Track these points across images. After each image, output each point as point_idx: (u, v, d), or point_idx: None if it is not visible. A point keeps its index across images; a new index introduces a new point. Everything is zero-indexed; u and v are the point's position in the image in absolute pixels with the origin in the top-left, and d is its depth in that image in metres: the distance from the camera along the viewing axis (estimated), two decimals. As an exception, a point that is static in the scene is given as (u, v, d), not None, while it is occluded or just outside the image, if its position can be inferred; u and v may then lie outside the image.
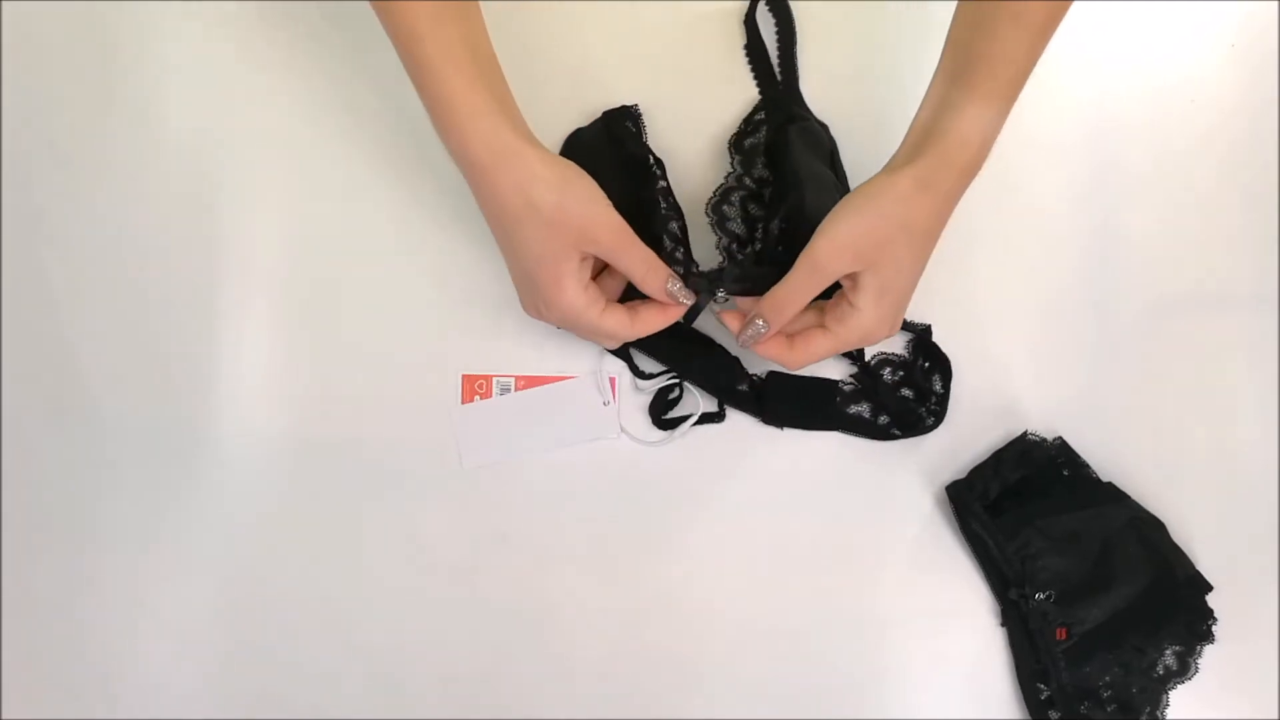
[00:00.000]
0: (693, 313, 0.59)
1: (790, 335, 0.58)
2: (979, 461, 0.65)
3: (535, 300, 0.57)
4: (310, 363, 0.66)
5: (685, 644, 0.64)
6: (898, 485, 0.65)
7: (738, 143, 0.67)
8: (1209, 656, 0.63)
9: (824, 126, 0.67)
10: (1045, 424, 0.66)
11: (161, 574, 0.65)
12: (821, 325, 0.57)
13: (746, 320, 0.57)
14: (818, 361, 0.58)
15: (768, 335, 0.57)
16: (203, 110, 0.68)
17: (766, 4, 0.69)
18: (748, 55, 0.68)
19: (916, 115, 0.56)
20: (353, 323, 0.66)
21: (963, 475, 0.64)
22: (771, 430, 0.65)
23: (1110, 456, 0.65)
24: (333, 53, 0.69)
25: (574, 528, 0.65)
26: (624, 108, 0.66)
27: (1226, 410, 0.67)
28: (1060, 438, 0.65)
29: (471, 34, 0.53)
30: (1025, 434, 0.65)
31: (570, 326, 0.58)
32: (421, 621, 0.64)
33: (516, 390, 0.66)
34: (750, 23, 0.68)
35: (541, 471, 0.66)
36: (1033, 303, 0.67)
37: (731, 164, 0.66)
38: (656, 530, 0.65)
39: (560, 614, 0.64)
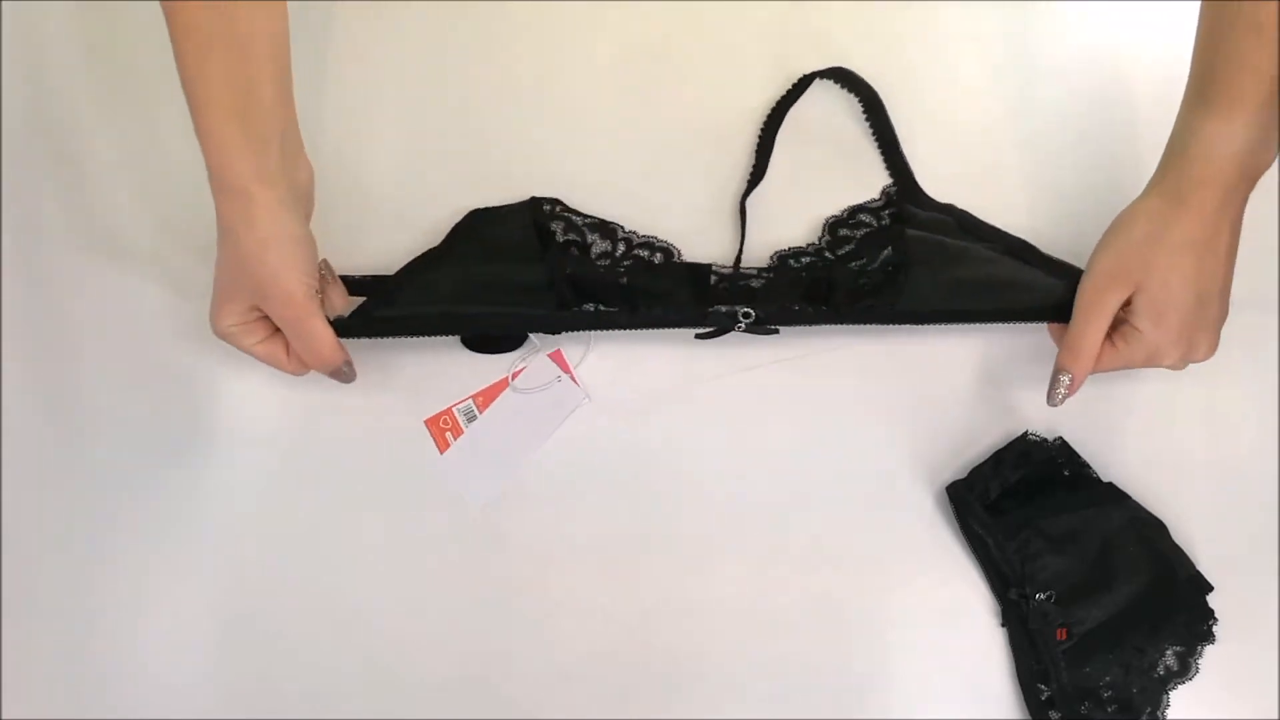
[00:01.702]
0: (718, 332, 0.62)
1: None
2: (979, 461, 0.65)
3: (212, 303, 0.58)
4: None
5: (685, 643, 0.64)
6: (898, 485, 0.65)
7: (834, 228, 0.68)
8: (1209, 657, 0.63)
9: (947, 210, 0.67)
10: (1046, 424, 0.65)
11: (161, 574, 0.64)
12: (1108, 339, 0.59)
13: (1052, 381, 0.60)
14: (1105, 372, 0.60)
15: (1076, 386, 0.59)
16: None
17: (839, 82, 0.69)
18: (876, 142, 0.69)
19: (1169, 139, 0.57)
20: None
21: (963, 475, 0.64)
22: (772, 430, 0.65)
23: (1111, 456, 0.65)
24: (333, 53, 0.69)
25: (573, 528, 0.65)
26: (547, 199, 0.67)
27: (1227, 410, 0.67)
28: (1060, 438, 0.65)
29: (241, 66, 0.53)
30: (1026, 434, 0.65)
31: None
32: (421, 621, 0.64)
33: (480, 410, 0.65)
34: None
35: (541, 471, 0.66)
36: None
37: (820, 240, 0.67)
38: (656, 530, 0.65)
39: (560, 614, 0.64)
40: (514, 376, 0.65)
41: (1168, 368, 0.60)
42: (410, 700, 0.63)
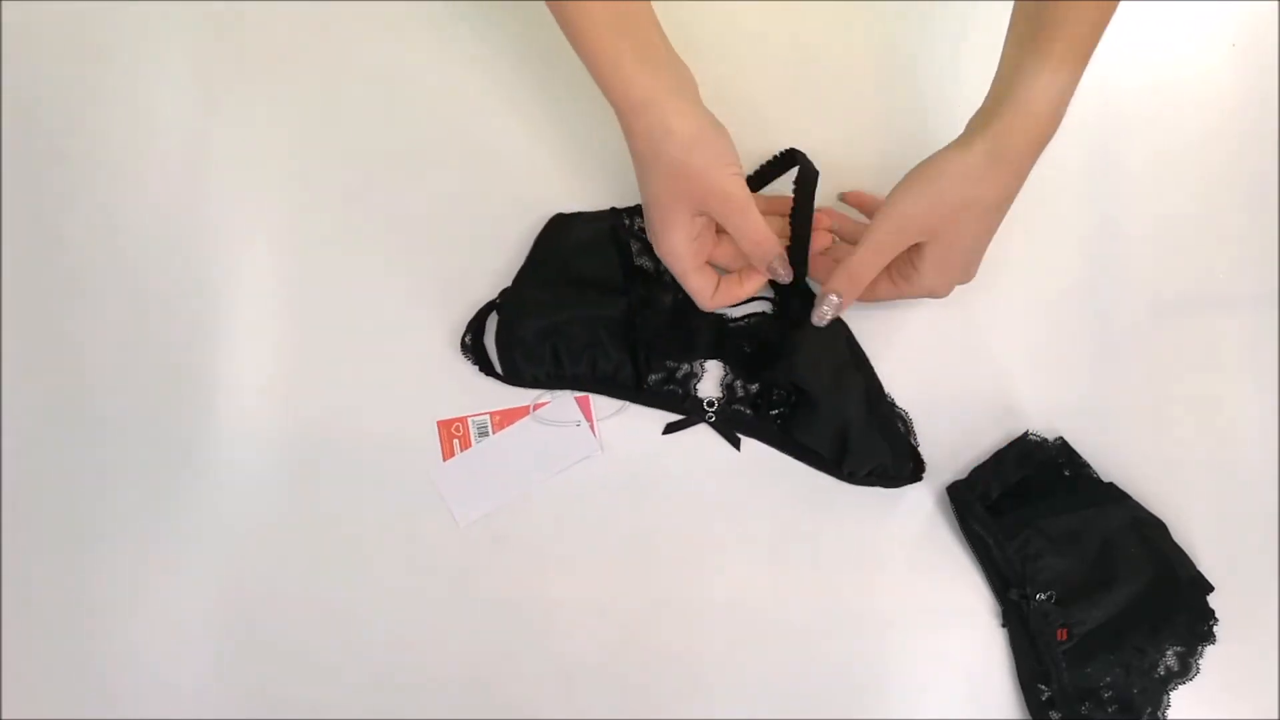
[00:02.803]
0: (681, 425, 0.65)
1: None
2: (980, 461, 0.65)
3: (651, 230, 0.59)
4: (310, 361, 0.66)
5: (685, 644, 0.64)
6: (898, 485, 0.65)
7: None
8: (1210, 657, 0.63)
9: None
10: (1046, 424, 0.65)
11: (161, 574, 0.64)
12: (885, 273, 0.60)
13: (819, 299, 0.59)
14: (876, 300, 0.62)
15: (843, 308, 0.60)
16: (202, 111, 0.68)
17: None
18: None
19: (992, 83, 0.56)
20: (352, 320, 0.67)
21: (963, 475, 0.64)
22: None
23: (1111, 457, 0.65)
24: (334, 53, 0.69)
25: (573, 528, 0.65)
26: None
27: (1227, 410, 0.67)
28: (1061, 438, 0.65)
29: None
30: (1026, 434, 0.65)
31: (668, 266, 0.60)
32: (421, 622, 0.64)
33: (494, 429, 0.65)
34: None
35: (542, 471, 0.66)
36: (1033, 303, 0.67)
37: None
38: (655, 530, 0.65)
39: (559, 614, 0.64)
40: (536, 408, 0.65)
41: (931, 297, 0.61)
42: (410, 700, 0.63)
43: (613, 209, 0.67)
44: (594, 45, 0.54)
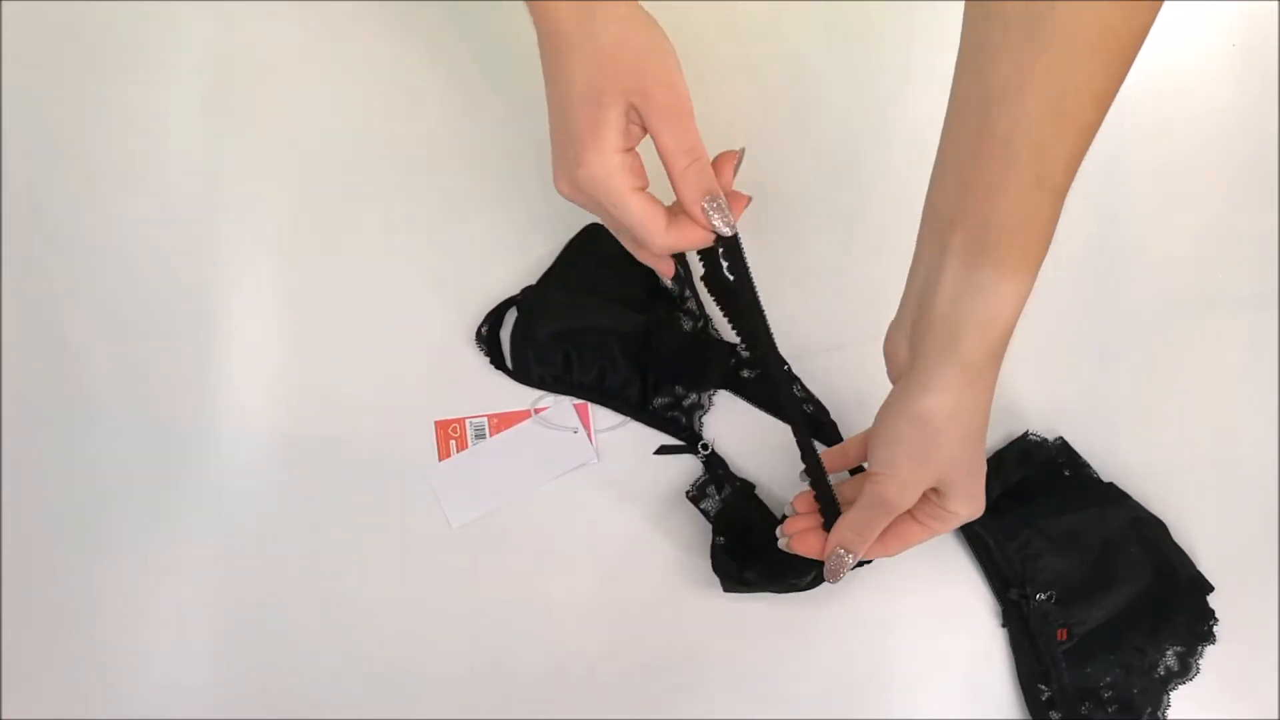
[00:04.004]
0: (673, 450, 0.64)
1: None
2: (980, 462, 0.65)
3: (567, 156, 0.48)
4: (310, 360, 0.66)
5: (684, 644, 0.64)
6: (898, 485, 0.65)
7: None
8: (1210, 657, 0.63)
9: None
10: (1046, 424, 0.65)
11: (161, 574, 0.64)
12: (913, 518, 0.53)
13: (828, 553, 0.54)
14: (910, 546, 0.54)
15: (853, 562, 0.54)
16: (202, 111, 0.68)
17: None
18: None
19: (914, 293, 0.48)
20: (353, 320, 0.67)
21: (963, 475, 0.64)
22: (772, 430, 0.65)
23: (1111, 457, 0.65)
24: (335, 53, 0.69)
25: (572, 527, 0.65)
26: None
27: (1227, 410, 0.67)
28: (1061, 438, 0.65)
29: None
30: (1026, 434, 0.65)
31: (595, 202, 0.49)
32: (421, 621, 0.64)
33: (491, 432, 0.65)
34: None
35: (542, 471, 0.66)
36: (1033, 302, 0.66)
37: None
38: (655, 529, 0.65)
39: (559, 613, 0.64)
40: (536, 411, 0.65)
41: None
42: (410, 700, 0.63)
43: None
44: None
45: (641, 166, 0.49)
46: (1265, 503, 0.66)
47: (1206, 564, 0.64)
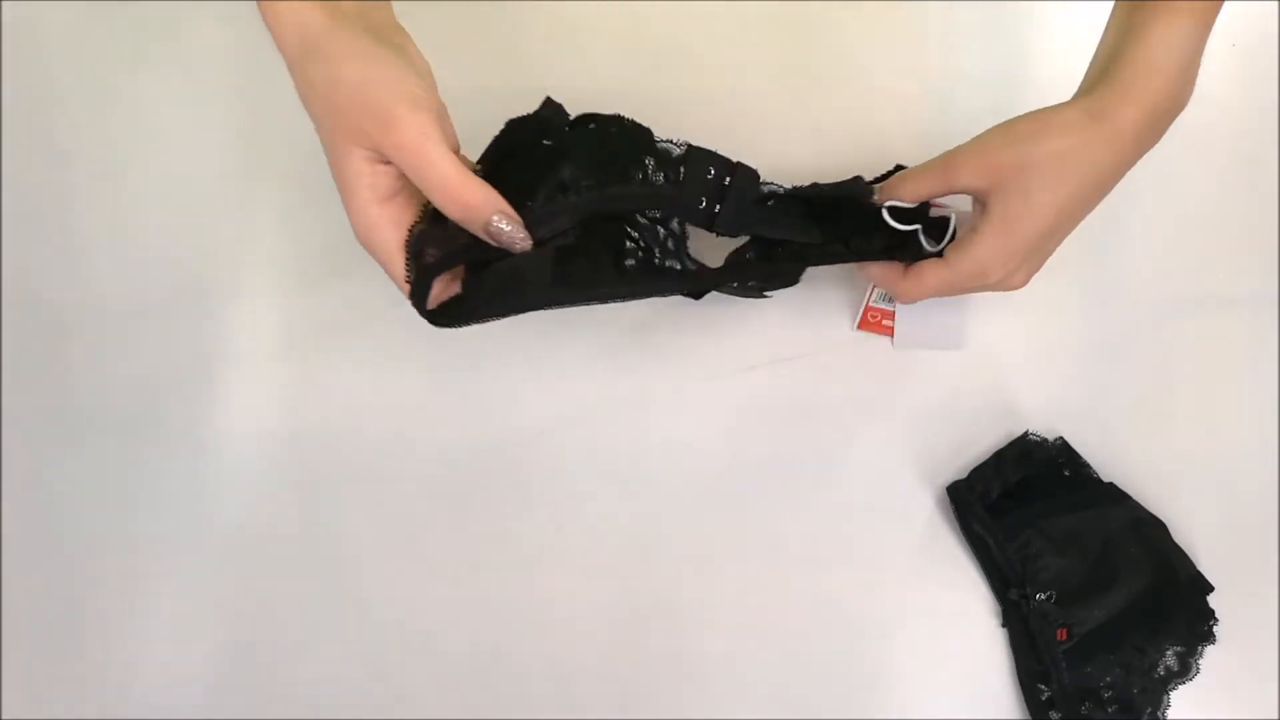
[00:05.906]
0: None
1: (906, 265, 0.54)
2: (980, 461, 0.65)
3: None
4: (309, 361, 0.66)
5: (685, 644, 0.64)
6: (898, 485, 0.65)
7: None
8: (1210, 657, 0.63)
9: None
10: (1046, 424, 0.65)
11: (161, 574, 0.65)
12: (938, 258, 0.52)
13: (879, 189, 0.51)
14: (929, 297, 0.53)
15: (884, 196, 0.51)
16: (202, 112, 0.68)
17: None
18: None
19: (1100, 42, 0.49)
20: (352, 320, 0.67)
21: (963, 475, 0.64)
22: (772, 430, 0.65)
23: (1112, 457, 0.65)
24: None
25: (572, 527, 0.65)
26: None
27: (1227, 410, 0.67)
28: (1061, 438, 0.65)
29: None
30: (1026, 434, 0.65)
31: (378, 260, 0.45)
32: (421, 621, 0.64)
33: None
34: None
35: (541, 470, 0.66)
36: (1033, 302, 0.67)
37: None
38: (655, 529, 0.65)
39: (559, 614, 0.64)
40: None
41: (974, 289, 0.53)
42: (410, 699, 0.63)
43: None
44: None
45: (402, 214, 0.45)
46: (1265, 503, 0.66)
47: (1206, 564, 0.64)
